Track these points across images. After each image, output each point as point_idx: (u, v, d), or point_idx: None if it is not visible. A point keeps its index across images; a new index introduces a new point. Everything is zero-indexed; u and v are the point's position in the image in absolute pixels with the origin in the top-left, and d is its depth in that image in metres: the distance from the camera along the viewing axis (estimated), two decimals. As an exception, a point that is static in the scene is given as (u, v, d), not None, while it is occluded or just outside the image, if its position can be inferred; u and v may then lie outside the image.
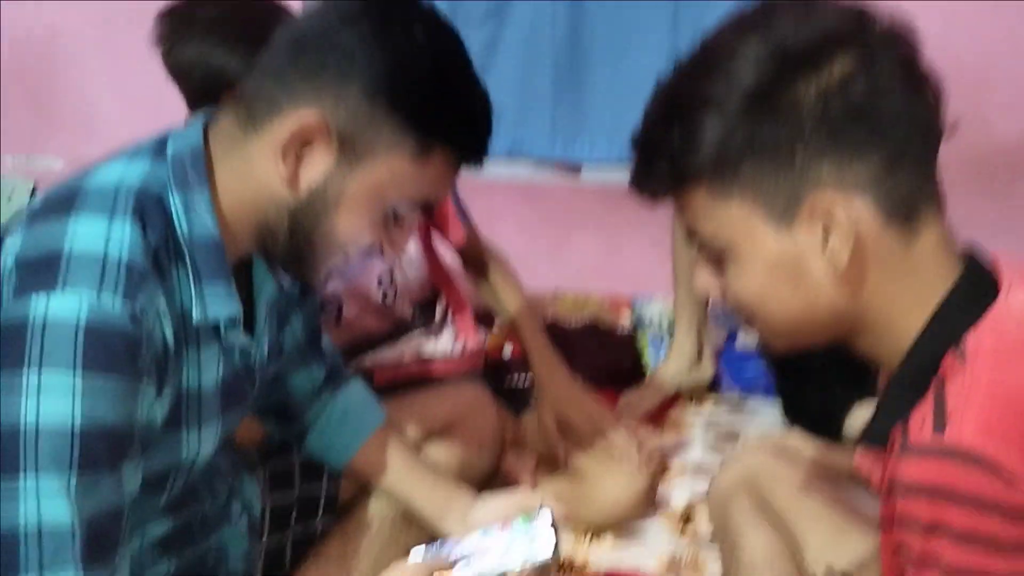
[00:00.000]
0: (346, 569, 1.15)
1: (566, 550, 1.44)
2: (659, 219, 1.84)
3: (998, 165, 2.07)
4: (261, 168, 0.87)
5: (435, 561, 1.01)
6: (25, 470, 0.77)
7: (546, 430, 1.48)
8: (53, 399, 0.77)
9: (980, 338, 0.73)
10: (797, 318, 0.79)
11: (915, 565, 0.72)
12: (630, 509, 1.48)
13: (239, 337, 0.95)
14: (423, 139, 0.86)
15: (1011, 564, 0.69)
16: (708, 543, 1.42)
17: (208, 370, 0.93)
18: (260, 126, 0.87)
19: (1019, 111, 2.06)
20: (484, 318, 1.82)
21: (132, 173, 0.87)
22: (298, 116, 0.85)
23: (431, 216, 0.90)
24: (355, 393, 1.22)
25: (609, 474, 1.47)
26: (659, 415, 1.82)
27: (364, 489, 1.21)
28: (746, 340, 1.97)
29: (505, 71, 2.13)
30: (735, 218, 0.77)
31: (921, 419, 0.72)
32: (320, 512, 1.20)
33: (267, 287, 1.01)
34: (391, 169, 0.87)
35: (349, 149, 0.86)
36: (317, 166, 0.87)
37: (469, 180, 1.59)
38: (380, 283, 1.50)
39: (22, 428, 0.77)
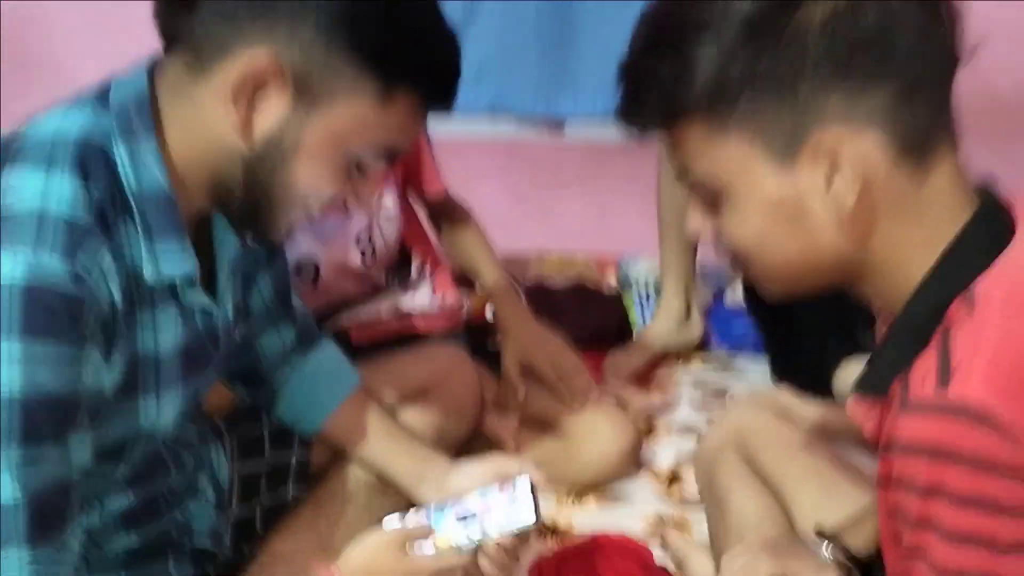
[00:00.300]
0: (319, 538, 1.12)
1: (549, 513, 1.42)
2: (646, 176, 1.83)
3: (997, 119, 2.03)
4: (212, 115, 0.82)
5: (411, 529, 0.98)
6: None
7: (507, 374, 1.45)
8: None
9: (991, 285, 0.69)
10: (796, 263, 0.75)
11: (912, 528, 0.68)
12: (615, 467, 1.46)
13: (199, 297, 0.91)
14: (385, 81, 0.82)
15: (1013, 528, 0.65)
16: (695, 504, 1.39)
17: (166, 333, 0.89)
18: (209, 69, 0.82)
19: (1018, 65, 2.01)
20: (465, 280, 1.79)
21: (71, 123, 0.83)
22: (249, 57, 0.80)
23: (393, 164, 0.86)
24: (327, 356, 1.18)
25: (593, 433, 1.45)
26: (646, 375, 1.79)
27: (337, 455, 1.17)
28: (734, 297, 1.94)
29: (487, 23, 2.07)
30: (732, 156, 0.72)
31: (923, 372, 0.67)
32: (291, 480, 1.17)
33: (229, 245, 0.96)
34: (352, 114, 0.82)
35: (305, 92, 0.81)
36: (271, 112, 0.82)
37: (449, 138, 1.55)
38: (359, 241, 1.45)
39: None
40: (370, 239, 1.46)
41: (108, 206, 0.81)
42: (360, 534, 0.99)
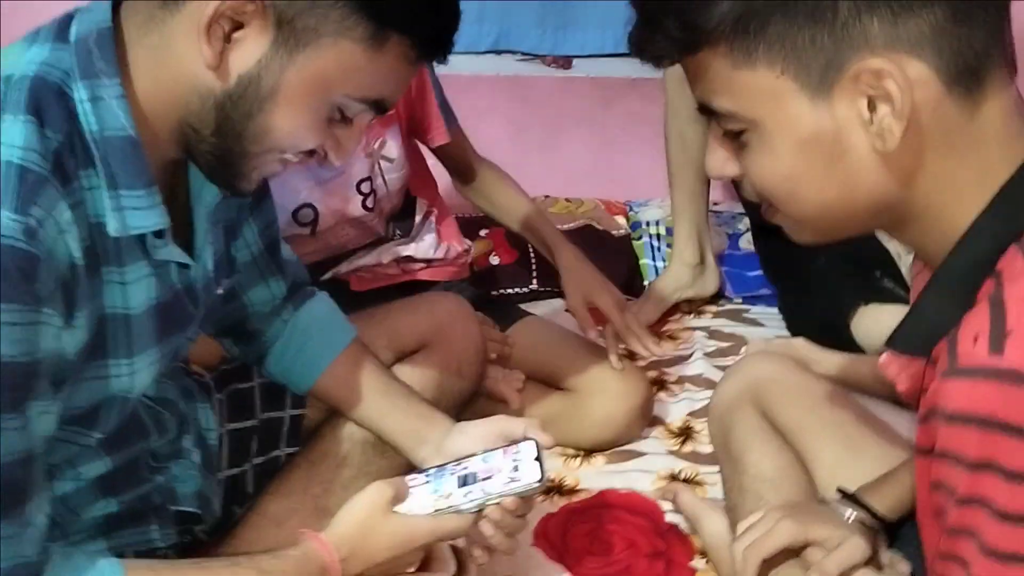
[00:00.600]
0: (313, 500, 1.07)
1: (556, 471, 1.38)
2: (656, 114, 1.74)
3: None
4: (183, 51, 0.76)
5: (407, 490, 0.93)
6: None
7: (577, 313, 1.50)
8: None
9: None
10: (834, 205, 0.69)
11: (959, 505, 0.61)
12: (623, 428, 1.42)
13: (172, 252, 0.85)
14: (377, 24, 0.76)
15: None
16: (709, 461, 1.34)
17: (136, 291, 0.83)
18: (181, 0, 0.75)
19: None
20: (466, 228, 1.73)
21: (26, 60, 0.76)
22: None
23: (383, 113, 0.82)
24: (320, 309, 1.13)
25: (602, 390, 1.40)
26: (657, 325, 1.72)
27: (331, 414, 1.12)
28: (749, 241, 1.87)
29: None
30: (760, 88, 0.66)
31: (974, 332, 0.60)
32: (283, 440, 1.13)
33: (207, 193, 0.90)
34: (338, 58, 0.77)
35: (288, 31, 0.75)
36: (249, 49, 0.75)
37: (450, 74, 1.48)
38: (360, 188, 1.39)
39: None
40: (372, 186, 1.39)
41: (66, 153, 0.75)
42: (355, 495, 0.94)
